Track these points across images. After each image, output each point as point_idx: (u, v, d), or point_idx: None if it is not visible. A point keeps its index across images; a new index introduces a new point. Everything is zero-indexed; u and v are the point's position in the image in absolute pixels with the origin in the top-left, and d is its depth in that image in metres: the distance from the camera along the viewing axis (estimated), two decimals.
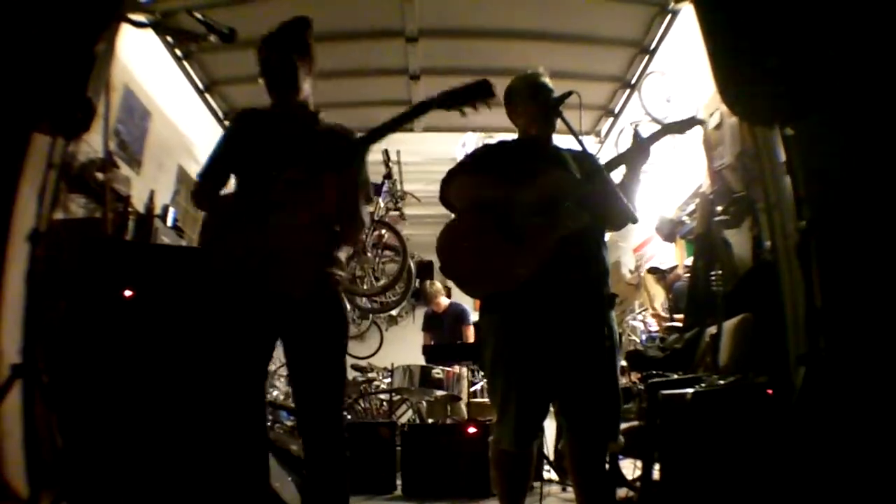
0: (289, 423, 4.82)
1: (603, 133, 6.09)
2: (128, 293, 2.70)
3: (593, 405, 2.22)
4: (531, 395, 2.28)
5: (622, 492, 3.70)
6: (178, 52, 4.80)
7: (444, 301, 6.66)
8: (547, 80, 2.50)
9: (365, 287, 6.12)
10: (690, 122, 2.54)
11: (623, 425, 2.75)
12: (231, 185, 2.41)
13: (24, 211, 2.85)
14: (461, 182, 2.43)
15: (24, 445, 2.70)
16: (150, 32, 4.12)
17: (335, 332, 2.27)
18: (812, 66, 1.92)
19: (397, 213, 6.54)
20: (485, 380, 5.57)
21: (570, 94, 2.36)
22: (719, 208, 4.24)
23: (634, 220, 2.40)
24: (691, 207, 5.01)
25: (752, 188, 3.86)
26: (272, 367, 4.66)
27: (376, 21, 4.56)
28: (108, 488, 2.49)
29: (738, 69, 2.09)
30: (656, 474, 3.22)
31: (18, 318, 2.79)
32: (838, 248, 2.28)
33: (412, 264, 6.20)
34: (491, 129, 5.47)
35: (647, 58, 4.92)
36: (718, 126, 4.40)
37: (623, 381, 3.46)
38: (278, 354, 2.28)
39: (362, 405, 6.24)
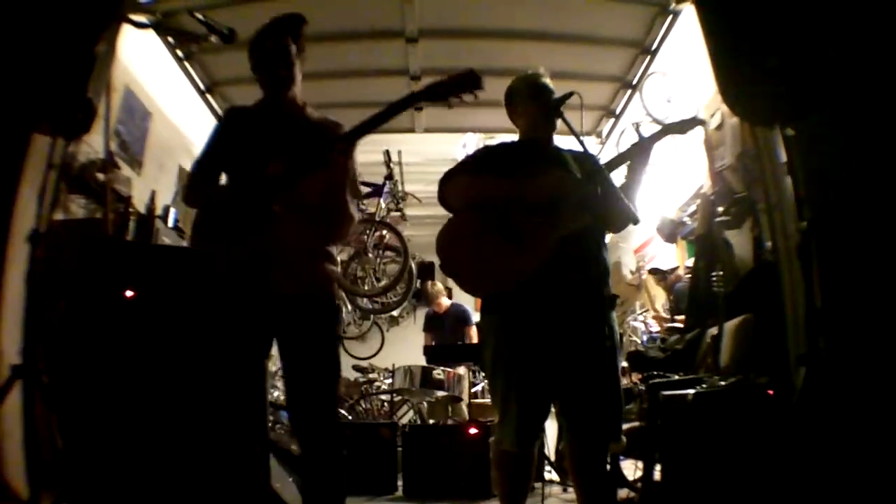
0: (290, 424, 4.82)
1: (604, 133, 6.08)
2: (128, 294, 2.69)
3: (594, 406, 2.21)
4: (532, 396, 2.28)
5: (623, 492, 3.69)
6: (178, 52, 4.79)
7: (445, 302, 6.66)
8: (547, 80, 2.50)
9: (366, 288, 6.13)
10: (691, 123, 2.54)
11: (624, 426, 2.75)
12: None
13: (24, 211, 2.86)
14: (461, 182, 2.42)
15: (24, 445, 2.70)
16: (150, 33, 4.11)
17: (327, 325, 2.25)
18: (812, 66, 1.92)
19: (398, 213, 6.55)
20: (486, 380, 5.58)
21: (570, 94, 2.36)
22: (720, 209, 4.24)
23: (636, 221, 2.40)
24: (692, 208, 5.01)
25: (752, 189, 3.86)
26: (273, 368, 4.66)
27: (376, 21, 4.55)
28: (108, 488, 2.48)
29: (739, 69, 2.09)
30: (657, 475, 3.22)
31: (18, 319, 2.79)
32: (839, 249, 2.28)
33: (413, 265, 6.21)
34: (491, 129, 5.48)
35: (648, 58, 4.91)
36: (719, 126, 4.40)
37: (624, 381, 3.45)
38: (278, 355, 2.28)
39: (363, 406, 6.24)
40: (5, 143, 2.78)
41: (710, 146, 4.58)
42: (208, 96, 5.33)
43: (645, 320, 5.59)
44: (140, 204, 4.36)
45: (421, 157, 6.51)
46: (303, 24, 2.34)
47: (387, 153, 6.10)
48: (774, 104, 2.10)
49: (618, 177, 2.37)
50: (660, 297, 5.61)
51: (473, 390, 6.01)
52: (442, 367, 5.27)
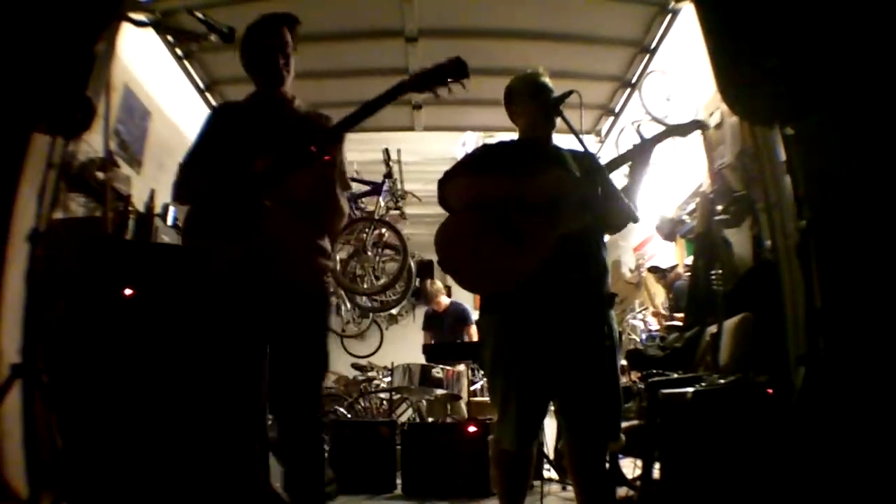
0: None
1: (603, 132, 6.09)
2: (128, 292, 2.69)
3: (593, 404, 2.21)
4: (531, 395, 2.28)
5: (622, 491, 3.70)
6: (178, 51, 4.79)
7: (444, 300, 6.67)
8: (547, 79, 2.50)
9: (365, 286, 6.13)
10: (693, 126, 2.55)
11: (623, 424, 2.75)
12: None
13: (23, 210, 2.85)
14: (460, 181, 2.42)
15: (24, 445, 2.70)
16: (150, 32, 4.11)
17: (316, 316, 2.24)
18: (812, 66, 1.92)
19: (398, 212, 6.54)
20: (485, 379, 5.58)
21: (570, 93, 2.36)
22: (719, 207, 4.24)
23: (635, 220, 2.41)
24: (691, 206, 5.01)
25: (752, 188, 3.86)
26: None
27: (376, 21, 4.55)
28: (108, 488, 2.49)
29: (739, 69, 2.09)
30: (656, 473, 3.22)
31: (18, 318, 2.79)
32: (838, 248, 2.28)
33: (412, 263, 6.21)
34: (491, 128, 5.47)
35: (647, 57, 4.91)
36: (719, 125, 4.40)
37: (623, 380, 3.46)
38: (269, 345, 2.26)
39: (362, 404, 6.24)
40: (5, 142, 2.78)
41: (710, 145, 4.58)
42: (208, 95, 5.33)
43: (644, 318, 5.59)
44: (139, 203, 4.36)
45: (420, 155, 6.51)
46: (297, 23, 2.34)
47: (386, 152, 6.10)
48: (774, 104, 2.10)
49: (619, 177, 2.38)
50: (659, 296, 5.61)
51: (472, 388, 6.00)
52: (441, 366, 5.27)
